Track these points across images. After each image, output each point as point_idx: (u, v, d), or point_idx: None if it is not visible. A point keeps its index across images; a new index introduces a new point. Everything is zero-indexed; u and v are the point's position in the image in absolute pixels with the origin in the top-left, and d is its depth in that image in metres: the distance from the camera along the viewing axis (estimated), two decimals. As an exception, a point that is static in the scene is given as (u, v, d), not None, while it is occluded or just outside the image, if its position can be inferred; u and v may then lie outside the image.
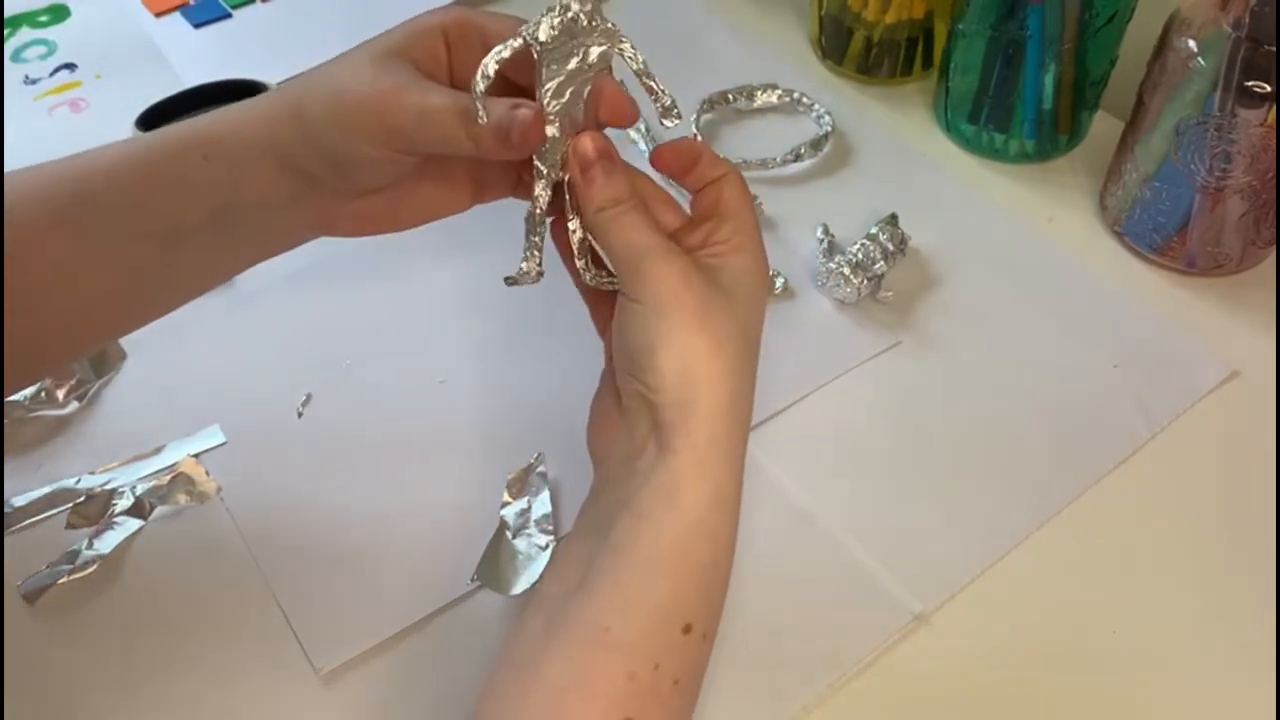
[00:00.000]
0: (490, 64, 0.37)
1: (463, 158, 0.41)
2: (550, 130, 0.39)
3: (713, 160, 0.42)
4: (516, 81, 0.40)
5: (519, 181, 0.43)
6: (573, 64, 0.38)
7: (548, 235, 0.42)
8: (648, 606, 0.35)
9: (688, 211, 0.43)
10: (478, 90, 0.37)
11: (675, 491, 0.36)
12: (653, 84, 0.41)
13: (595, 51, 0.39)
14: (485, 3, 0.80)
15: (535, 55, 0.38)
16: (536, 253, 0.42)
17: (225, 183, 0.39)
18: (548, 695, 0.34)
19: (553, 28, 0.38)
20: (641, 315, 0.37)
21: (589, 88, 0.39)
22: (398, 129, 0.38)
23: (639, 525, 0.36)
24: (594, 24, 0.39)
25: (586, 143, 0.40)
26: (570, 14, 0.38)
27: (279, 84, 0.73)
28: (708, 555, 0.37)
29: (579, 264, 0.42)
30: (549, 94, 0.38)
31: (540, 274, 0.43)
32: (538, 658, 0.35)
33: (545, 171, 0.40)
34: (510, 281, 0.43)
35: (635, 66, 0.40)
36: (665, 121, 0.41)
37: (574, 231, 0.42)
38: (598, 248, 0.42)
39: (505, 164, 0.42)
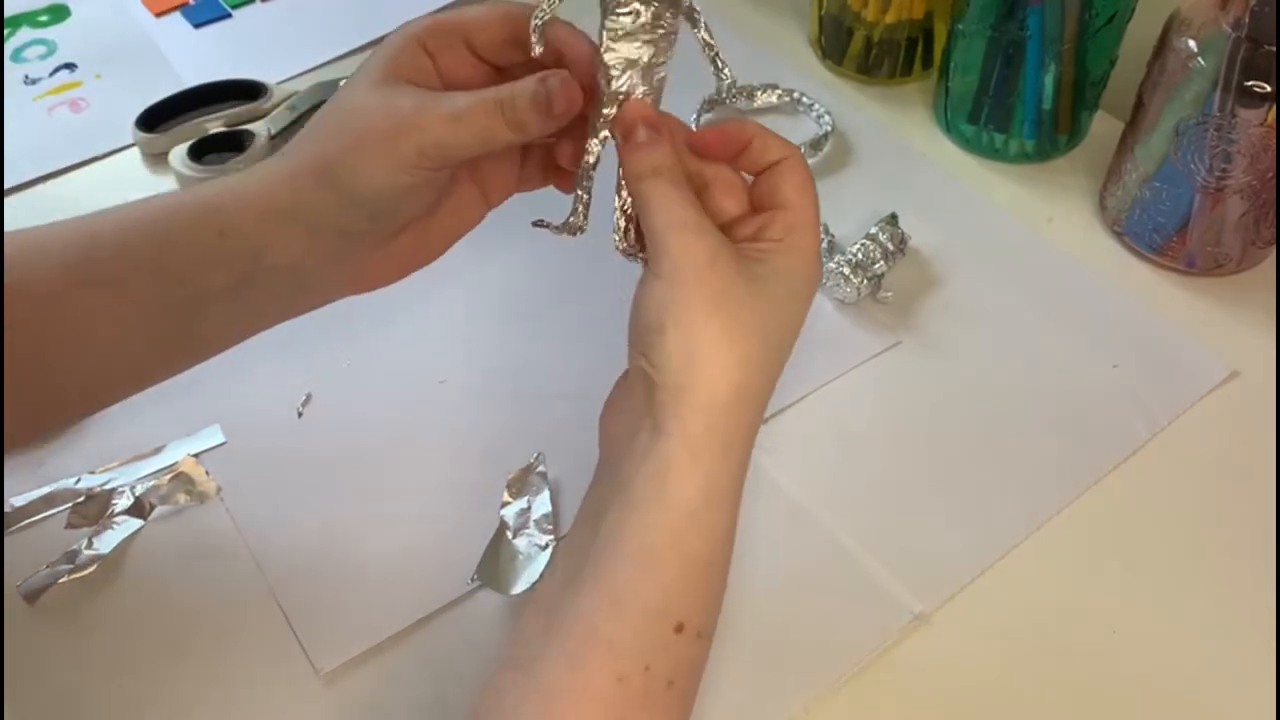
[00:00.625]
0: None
1: (465, 167, 0.41)
2: (616, 81, 0.38)
3: (768, 142, 0.40)
4: (496, 63, 0.40)
5: (523, 176, 0.43)
6: (639, 22, 0.38)
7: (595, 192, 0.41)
8: (637, 605, 0.34)
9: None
10: (535, 24, 0.38)
11: (665, 479, 0.35)
12: (717, 59, 0.40)
13: (665, 15, 0.38)
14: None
15: (600, 4, 0.38)
16: (582, 208, 0.41)
17: (244, 254, 0.39)
18: (540, 698, 0.34)
19: None
20: (659, 290, 0.36)
21: (657, 47, 0.38)
22: (433, 145, 0.37)
23: (629, 516, 0.35)
24: None
25: (633, 108, 0.39)
26: None
27: (278, 84, 0.73)
28: (702, 551, 0.36)
29: (615, 230, 0.41)
30: (610, 43, 0.38)
31: (581, 229, 0.42)
32: (531, 660, 0.35)
33: (599, 126, 0.40)
34: (544, 225, 0.42)
35: (703, 36, 0.40)
36: (724, 97, 0.40)
37: (617, 197, 0.40)
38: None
39: (508, 161, 0.42)
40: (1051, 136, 0.67)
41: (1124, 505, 0.51)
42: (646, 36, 0.38)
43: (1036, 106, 0.65)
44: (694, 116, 0.69)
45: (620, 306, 0.61)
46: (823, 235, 0.61)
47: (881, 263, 0.58)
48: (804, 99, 0.71)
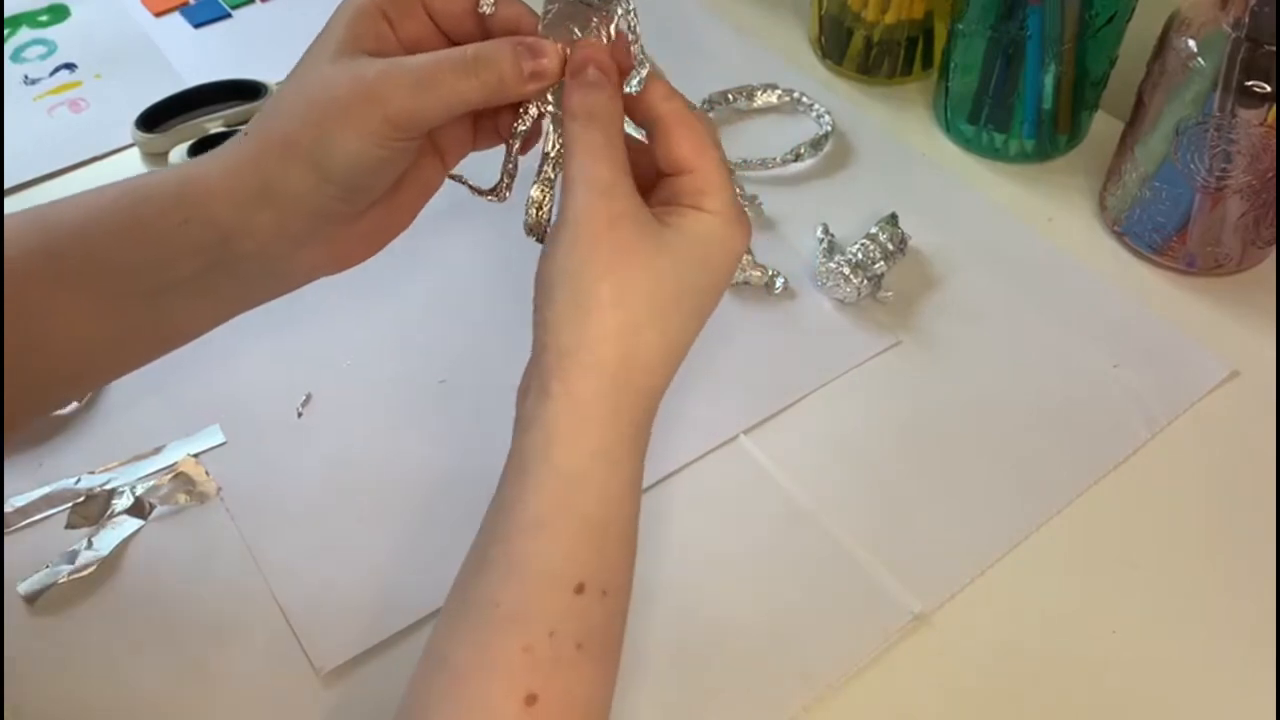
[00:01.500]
0: None
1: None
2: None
3: (665, 92, 0.38)
4: (452, 34, 0.39)
5: (478, 134, 0.42)
6: (578, 5, 0.38)
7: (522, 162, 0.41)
8: (532, 571, 0.34)
9: None
10: None
11: (550, 443, 0.34)
12: (640, 46, 0.39)
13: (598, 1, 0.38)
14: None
15: None
16: (508, 177, 0.41)
17: (210, 242, 0.37)
18: (451, 679, 0.34)
19: None
20: (559, 251, 0.35)
21: (594, 31, 0.38)
22: (403, 114, 0.36)
23: (519, 482, 0.35)
24: None
25: (586, 48, 0.37)
26: None
27: (278, 84, 0.73)
28: (595, 512, 0.35)
29: (529, 199, 0.40)
30: (545, 23, 0.38)
31: (504, 198, 0.41)
32: (444, 645, 0.35)
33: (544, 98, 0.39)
34: (464, 182, 0.41)
35: (629, 23, 0.39)
36: (628, 86, 0.38)
37: (544, 167, 0.39)
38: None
39: (461, 121, 0.40)
40: (1051, 136, 0.67)
41: (1124, 505, 0.51)
42: (580, 21, 0.38)
43: (1036, 106, 0.65)
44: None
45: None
46: (823, 235, 0.61)
47: (881, 263, 0.58)
48: (804, 99, 0.71)
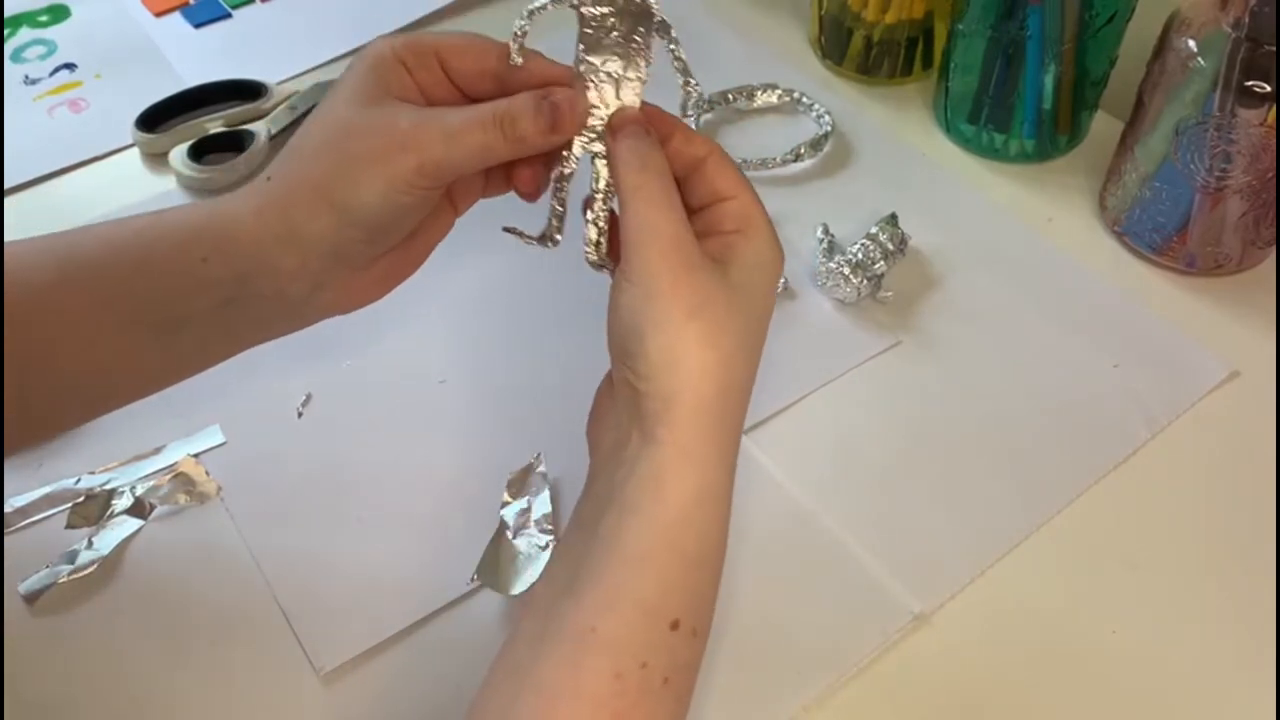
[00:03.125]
0: (527, 11, 0.39)
1: None
2: (592, 92, 0.40)
3: (691, 138, 0.40)
4: (467, 91, 0.40)
5: (488, 183, 0.43)
6: (614, 36, 0.39)
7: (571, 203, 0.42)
8: (633, 602, 0.35)
9: None
10: (516, 32, 0.39)
11: (660, 484, 0.35)
12: (686, 73, 0.41)
13: (639, 30, 0.39)
14: (476, 6, 0.80)
15: (578, 18, 0.39)
16: (556, 220, 0.42)
17: (229, 279, 0.38)
18: (538, 698, 0.34)
19: (596, 2, 0.39)
20: (636, 297, 0.36)
21: (631, 60, 0.39)
22: (431, 163, 0.37)
23: (625, 519, 0.35)
24: (645, 3, 0.39)
25: (625, 112, 0.40)
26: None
27: (278, 84, 0.73)
28: (695, 550, 0.36)
29: (586, 242, 0.41)
30: (584, 55, 0.39)
31: (555, 241, 0.42)
32: (529, 661, 0.35)
33: (584, 133, 0.40)
34: (516, 233, 0.43)
35: (674, 50, 0.40)
36: (687, 111, 0.41)
37: (589, 210, 0.41)
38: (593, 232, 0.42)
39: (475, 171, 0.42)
40: (1051, 136, 0.67)
41: (1124, 505, 0.51)
42: (619, 50, 0.40)
43: (1036, 106, 0.65)
44: (694, 116, 0.69)
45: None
46: (823, 235, 0.61)
47: (881, 263, 0.58)
48: (804, 99, 0.71)
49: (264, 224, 0.38)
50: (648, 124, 0.40)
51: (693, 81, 0.41)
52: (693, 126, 0.67)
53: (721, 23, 0.79)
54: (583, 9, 0.39)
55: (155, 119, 0.69)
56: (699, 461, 0.36)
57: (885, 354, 0.57)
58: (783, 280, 0.59)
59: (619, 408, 0.38)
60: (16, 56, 0.78)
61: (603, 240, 0.41)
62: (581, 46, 0.39)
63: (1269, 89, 0.52)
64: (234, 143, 0.68)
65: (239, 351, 0.43)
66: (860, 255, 0.58)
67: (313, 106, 0.70)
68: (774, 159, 0.66)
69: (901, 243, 0.59)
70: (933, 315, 0.59)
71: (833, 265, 0.58)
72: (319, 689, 0.45)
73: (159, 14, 0.81)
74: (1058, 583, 0.48)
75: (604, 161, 0.40)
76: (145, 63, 0.77)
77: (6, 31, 0.80)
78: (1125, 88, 0.61)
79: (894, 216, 0.60)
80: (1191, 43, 0.54)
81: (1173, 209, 0.58)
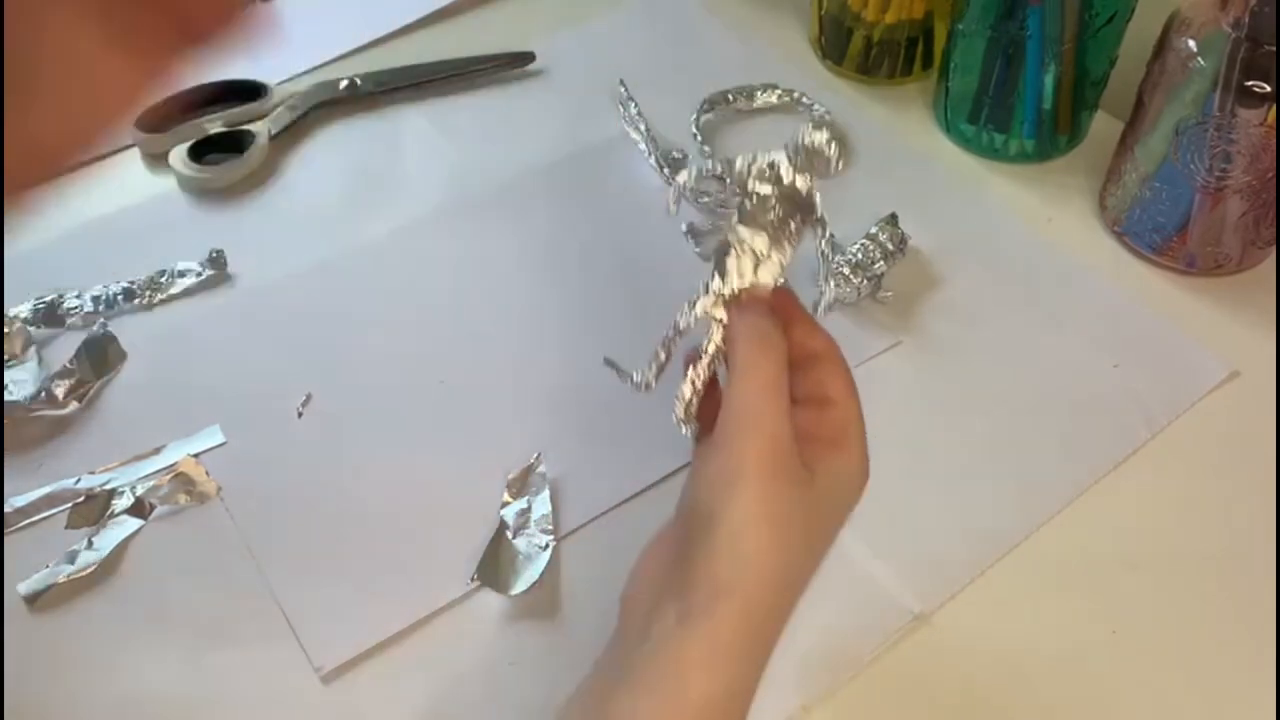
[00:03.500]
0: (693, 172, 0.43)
1: None
2: (731, 258, 0.40)
3: (812, 331, 0.40)
4: None
5: None
6: (771, 216, 0.40)
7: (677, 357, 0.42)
8: None
9: None
10: (680, 186, 0.43)
11: (685, 674, 0.34)
12: (827, 272, 0.43)
13: (795, 217, 0.41)
14: (476, 6, 0.80)
15: (740, 189, 0.41)
16: (657, 367, 0.42)
17: None
18: None
19: (763, 180, 0.41)
20: (719, 481, 0.35)
21: (778, 243, 0.40)
22: None
23: (642, 702, 0.34)
24: (809, 196, 0.41)
25: (760, 289, 0.39)
26: (785, 182, 0.41)
27: (278, 84, 0.73)
28: None
29: (679, 399, 0.41)
30: (738, 228, 0.40)
31: (650, 388, 0.42)
32: None
33: (699, 296, 0.40)
34: (615, 368, 0.43)
35: (823, 248, 0.42)
36: (817, 309, 0.42)
37: (691, 369, 0.41)
38: (688, 398, 0.41)
39: None
40: (1051, 136, 0.67)
41: (1124, 505, 0.51)
42: (771, 231, 0.40)
43: (1036, 106, 0.65)
44: (694, 116, 0.69)
45: (622, 306, 0.61)
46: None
47: (881, 263, 0.58)
48: (804, 99, 0.71)
49: None
50: (775, 307, 0.39)
51: (831, 285, 0.42)
52: (694, 128, 0.68)
53: (721, 23, 0.79)
54: (748, 184, 0.40)
55: (155, 119, 0.69)
56: (734, 660, 0.35)
57: (885, 354, 0.57)
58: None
59: (665, 571, 0.37)
60: (16, 56, 0.78)
61: (694, 401, 0.41)
62: (736, 215, 0.40)
63: (1269, 89, 0.52)
64: (234, 143, 0.68)
65: None
66: (860, 255, 0.58)
67: (312, 106, 0.70)
68: (774, 159, 0.66)
69: (901, 243, 0.59)
70: (933, 315, 0.59)
71: (833, 265, 0.58)
72: (319, 689, 0.45)
73: (159, 14, 0.81)
74: (1057, 583, 0.48)
75: (720, 327, 0.40)
76: (145, 63, 0.77)
77: (6, 31, 0.80)
78: (1125, 88, 0.61)
79: (894, 216, 0.60)
80: (1191, 43, 0.54)
81: (1173, 209, 0.58)
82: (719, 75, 0.72)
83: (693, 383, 0.40)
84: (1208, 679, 0.45)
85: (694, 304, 0.40)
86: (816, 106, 0.70)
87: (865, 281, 0.57)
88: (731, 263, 0.40)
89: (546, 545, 0.48)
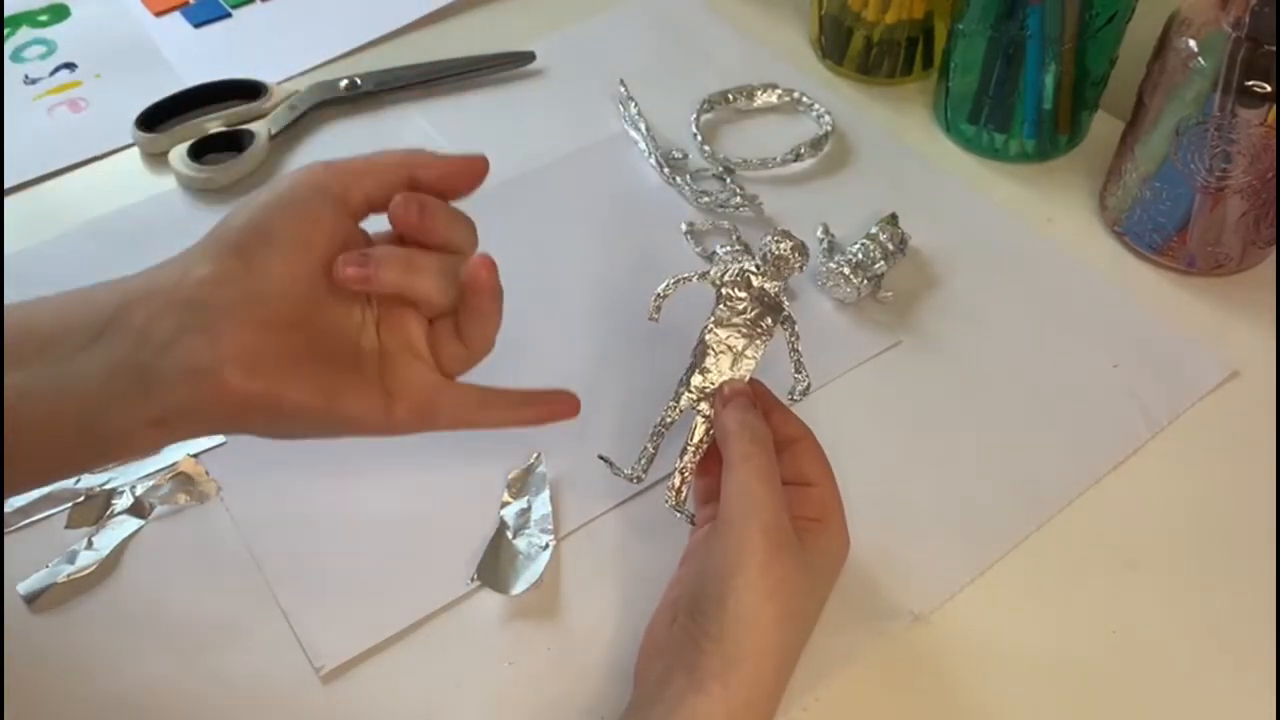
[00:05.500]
0: (673, 279, 0.47)
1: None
2: (710, 358, 0.46)
3: (786, 419, 0.44)
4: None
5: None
6: (744, 318, 0.46)
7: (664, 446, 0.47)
8: None
9: None
10: (660, 294, 0.47)
11: None
12: (799, 364, 0.47)
13: (767, 319, 0.46)
14: (476, 6, 0.80)
15: (716, 295, 0.47)
16: (646, 460, 0.47)
17: (107, 307, 0.37)
18: None
19: (737, 286, 0.47)
20: (726, 562, 0.39)
21: (753, 341, 0.46)
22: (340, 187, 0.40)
23: None
24: (777, 298, 0.47)
25: (737, 384, 0.45)
26: (755, 286, 0.47)
27: (278, 84, 0.73)
28: None
29: (670, 488, 0.46)
30: (715, 330, 0.46)
31: (641, 479, 0.47)
32: None
33: (682, 393, 0.46)
34: (608, 463, 0.48)
35: (792, 342, 0.47)
36: (793, 397, 0.47)
37: (679, 459, 0.46)
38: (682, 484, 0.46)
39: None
40: (1051, 136, 0.67)
41: (1124, 505, 0.51)
42: (745, 330, 0.46)
43: (1036, 106, 0.65)
44: (693, 116, 0.69)
45: (622, 306, 0.61)
46: (823, 235, 0.61)
47: (881, 263, 0.58)
48: (804, 99, 0.71)
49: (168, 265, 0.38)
50: (754, 397, 0.44)
51: (804, 374, 0.47)
52: (694, 128, 0.68)
53: (721, 22, 0.79)
54: (723, 289, 0.46)
55: (155, 119, 0.69)
56: None
57: (885, 354, 0.57)
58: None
59: (675, 645, 0.40)
60: (16, 56, 0.78)
61: (685, 489, 0.46)
62: (713, 319, 0.46)
63: (1269, 89, 0.52)
64: (234, 143, 0.68)
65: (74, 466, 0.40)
66: (860, 255, 0.58)
67: (312, 106, 0.70)
68: (774, 159, 0.66)
69: (901, 243, 0.59)
70: (933, 315, 0.59)
71: (833, 265, 0.58)
72: (319, 689, 0.45)
73: (159, 14, 0.81)
74: (1058, 583, 0.48)
75: (704, 420, 0.45)
76: (145, 62, 0.77)
77: (6, 31, 0.80)
78: (1125, 88, 0.61)
79: (894, 216, 0.60)
80: (1191, 43, 0.54)
81: (1173, 209, 0.58)
82: (719, 75, 0.72)
83: (681, 473, 0.45)
84: (1208, 679, 0.45)
85: (678, 399, 0.46)
86: (816, 106, 0.70)
87: (865, 281, 0.57)
88: (711, 361, 0.45)
89: (546, 545, 0.48)
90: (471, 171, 0.41)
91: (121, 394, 0.35)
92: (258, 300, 0.37)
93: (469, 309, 0.41)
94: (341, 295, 0.39)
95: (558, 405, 0.45)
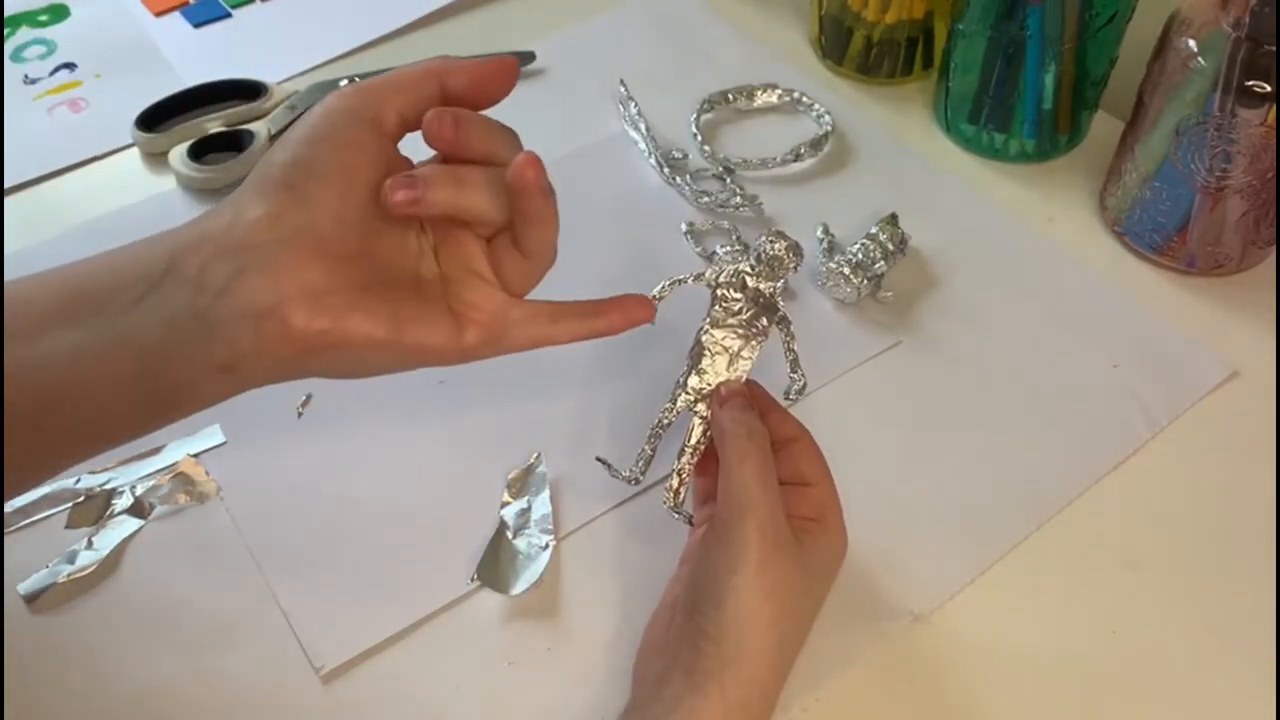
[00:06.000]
0: (670, 280, 0.47)
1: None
2: (706, 359, 0.45)
3: (784, 420, 0.44)
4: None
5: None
6: (740, 319, 0.46)
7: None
8: None
9: None
10: (656, 295, 0.46)
11: None
12: (795, 364, 0.47)
13: (762, 319, 0.46)
14: (476, 6, 0.80)
15: (712, 296, 0.46)
16: (643, 462, 0.47)
17: (158, 261, 0.35)
18: None
19: (732, 287, 0.46)
20: (723, 562, 0.39)
21: (749, 342, 0.46)
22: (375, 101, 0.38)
23: None
24: (773, 298, 0.46)
25: (733, 385, 0.45)
26: (750, 287, 0.47)
27: (278, 84, 0.73)
28: None
29: (668, 489, 0.46)
30: (711, 331, 0.46)
31: (639, 480, 0.47)
32: None
33: (679, 394, 0.45)
34: (606, 465, 0.48)
35: (788, 342, 0.47)
36: (789, 396, 0.47)
37: (677, 461, 0.46)
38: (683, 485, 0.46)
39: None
40: (1051, 136, 0.67)
41: (1124, 505, 0.51)
42: (741, 331, 0.46)
43: (1036, 106, 0.65)
44: (693, 116, 0.69)
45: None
46: (823, 235, 0.61)
47: (881, 263, 0.58)
48: (804, 99, 0.71)
49: (215, 211, 0.37)
50: (751, 398, 0.44)
51: (800, 373, 0.47)
52: (694, 128, 0.68)
53: (721, 22, 0.79)
54: (718, 290, 0.46)
55: (155, 119, 0.69)
56: (744, 719, 0.38)
57: (885, 354, 0.57)
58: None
59: (672, 645, 0.40)
60: (16, 56, 0.78)
61: (683, 491, 0.46)
62: (708, 320, 0.46)
63: (1269, 89, 0.52)
64: (234, 143, 0.68)
65: (131, 428, 0.37)
66: (860, 255, 0.58)
67: (312, 106, 0.70)
68: (774, 159, 0.66)
69: (901, 243, 0.59)
70: (933, 315, 0.59)
71: (833, 265, 0.58)
72: (319, 689, 0.45)
73: (159, 14, 0.81)
74: (1058, 583, 0.48)
75: (701, 421, 0.45)
76: (145, 62, 0.77)
77: (6, 31, 0.80)
78: (1125, 88, 0.61)
79: (894, 216, 0.60)
80: (1191, 43, 0.54)
81: (1173, 209, 0.58)
82: (719, 75, 0.72)
83: (679, 474, 0.45)
84: (1208, 679, 0.45)
85: (675, 401, 0.46)
86: (816, 106, 0.70)
87: (865, 281, 0.57)
88: (707, 362, 0.45)
89: (546, 545, 0.48)
90: (502, 73, 0.39)
91: (183, 344, 0.35)
92: (312, 235, 0.36)
93: (522, 214, 0.38)
94: (395, 223, 0.38)
95: (631, 310, 0.43)
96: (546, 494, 0.50)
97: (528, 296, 0.41)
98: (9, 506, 0.50)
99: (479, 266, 0.40)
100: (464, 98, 0.39)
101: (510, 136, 0.39)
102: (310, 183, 0.36)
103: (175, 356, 0.35)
